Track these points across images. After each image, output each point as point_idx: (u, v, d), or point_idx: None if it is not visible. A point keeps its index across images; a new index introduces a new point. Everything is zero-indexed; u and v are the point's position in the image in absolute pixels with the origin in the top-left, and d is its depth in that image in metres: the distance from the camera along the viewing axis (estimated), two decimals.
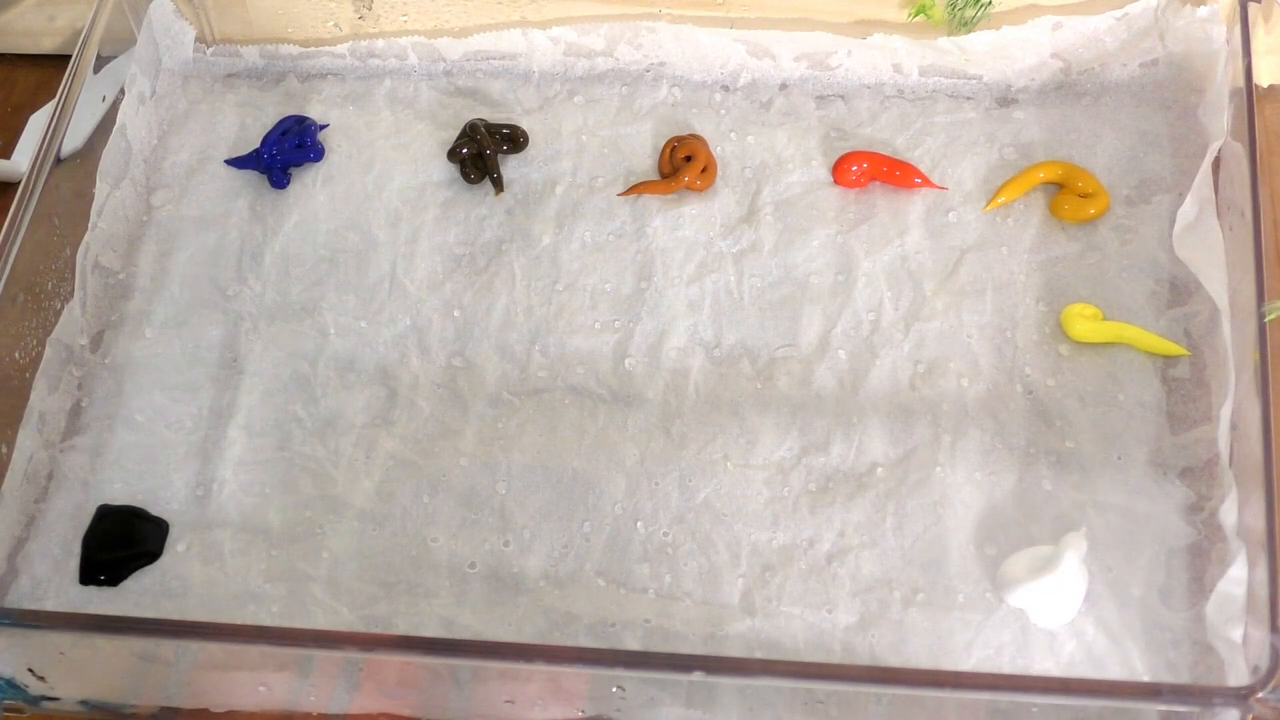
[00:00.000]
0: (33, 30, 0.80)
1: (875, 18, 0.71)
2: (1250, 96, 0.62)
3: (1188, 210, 0.64)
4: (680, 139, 0.70)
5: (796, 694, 0.54)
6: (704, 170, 0.69)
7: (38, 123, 0.75)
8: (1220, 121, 0.64)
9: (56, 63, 0.75)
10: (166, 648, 0.57)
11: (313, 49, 0.75)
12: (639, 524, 0.60)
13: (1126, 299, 0.64)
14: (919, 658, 0.56)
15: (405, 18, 0.74)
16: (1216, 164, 0.64)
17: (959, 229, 0.67)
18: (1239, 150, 0.61)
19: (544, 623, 0.58)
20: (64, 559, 0.60)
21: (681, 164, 0.69)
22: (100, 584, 0.59)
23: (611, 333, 0.65)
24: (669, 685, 0.55)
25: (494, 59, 0.74)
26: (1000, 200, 0.67)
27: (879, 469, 0.60)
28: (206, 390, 0.65)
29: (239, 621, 0.58)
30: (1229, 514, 0.55)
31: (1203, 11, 0.67)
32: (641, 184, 0.69)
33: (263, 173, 0.71)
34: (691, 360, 0.64)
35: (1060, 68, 0.70)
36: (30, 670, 0.57)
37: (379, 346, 0.66)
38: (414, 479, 0.62)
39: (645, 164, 0.71)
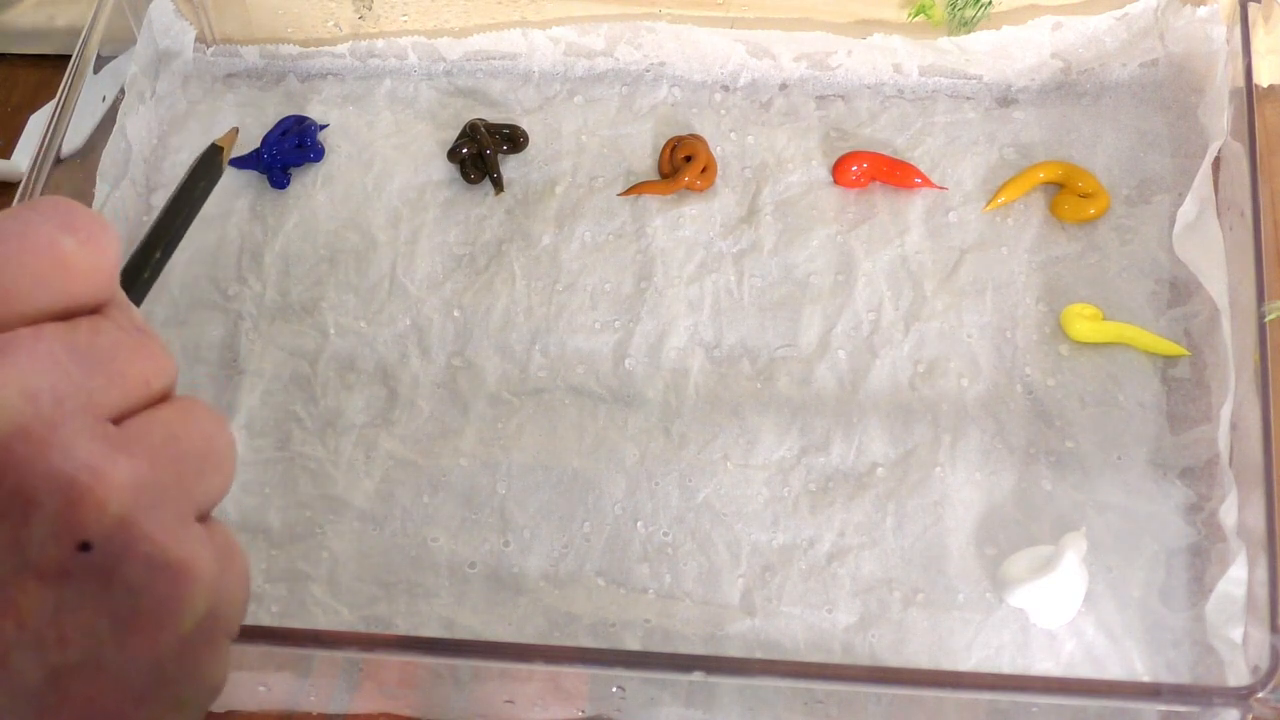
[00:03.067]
0: (33, 30, 0.80)
1: (875, 18, 0.71)
2: (1250, 96, 0.62)
3: (1188, 210, 0.64)
4: (680, 139, 0.70)
5: (796, 694, 0.54)
6: (704, 170, 0.69)
7: (38, 123, 0.75)
8: (1220, 121, 0.64)
9: (56, 63, 0.75)
10: None
11: (313, 49, 0.75)
12: (639, 524, 0.60)
13: (1126, 299, 0.64)
14: (919, 658, 0.56)
15: (405, 18, 0.74)
16: (1216, 164, 0.64)
17: (959, 229, 0.67)
18: (1239, 150, 0.61)
19: (544, 623, 0.58)
20: None
21: (681, 164, 0.69)
22: None
23: (611, 333, 0.65)
24: (669, 685, 0.55)
25: (494, 59, 0.75)
26: (1000, 200, 0.67)
27: (879, 469, 0.60)
28: (206, 390, 0.65)
29: None
30: (1229, 514, 0.55)
31: (1203, 11, 0.67)
32: (641, 184, 0.69)
33: (263, 173, 0.71)
34: (691, 360, 0.64)
35: (1060, 68, 0.70)
36: None
37: (379, 346, 0.66)
38: (414, 479, 0.62)
39: (645, 164, 0.71)
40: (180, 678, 0.31)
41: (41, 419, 0.28)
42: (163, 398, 0.32)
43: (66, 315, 0.31)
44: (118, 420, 0.30)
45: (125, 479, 0.29)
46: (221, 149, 0.50)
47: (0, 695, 0.28)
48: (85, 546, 0.28)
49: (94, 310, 0.32)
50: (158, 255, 0.42)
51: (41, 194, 0.63)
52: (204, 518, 0.32)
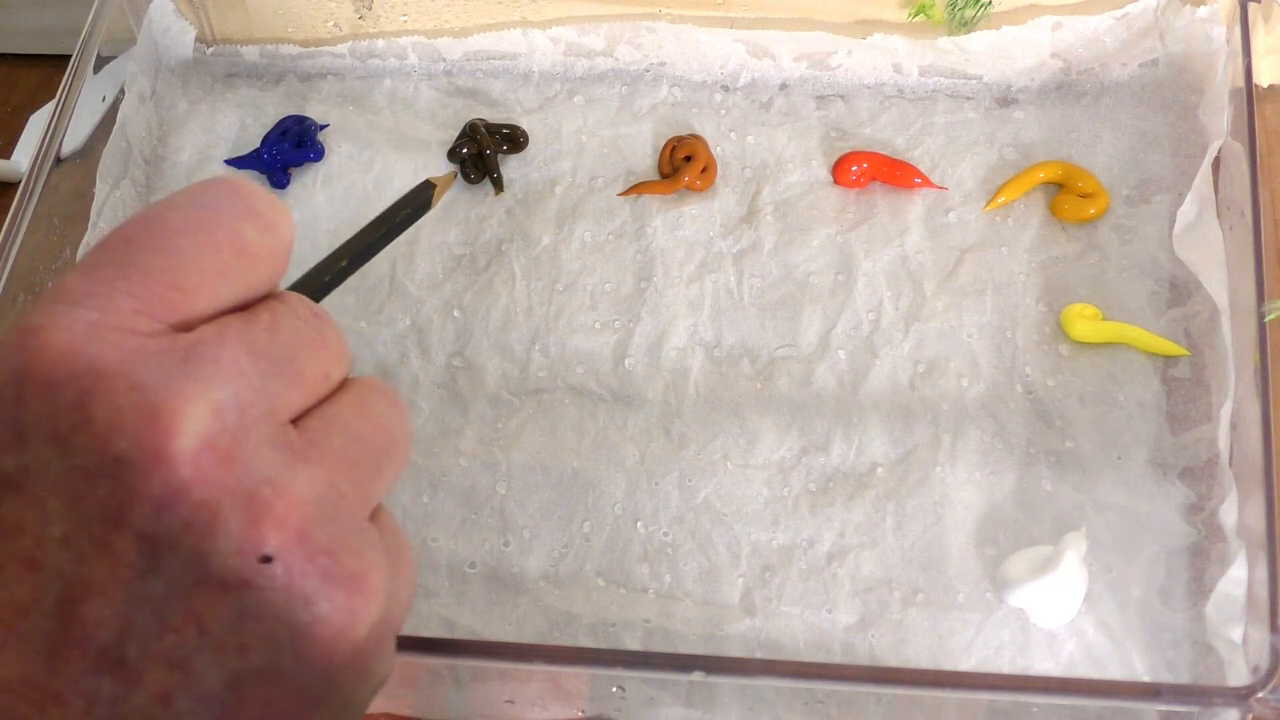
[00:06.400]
0: (33, 30, 0.80)
1: (875, 18, 0.71)
2: (1250, 96, 0.62)
3: (1188, 210, 0.64)
4: (680, 139, 0.70)
5: (796, 694, 0.54)
6: (704, 170, 0.69)
7: (38, 123, 0.75)
8: (1220, 121, 0.64)
9: (56, 63, 0.75)
10: None
11: (313, 49, 0.75)
12: (639, 524, 0.60)
13: (1126, 299, 0.64)
14: (919, 658, 0.56)
15: (405, 18, 0.74)
16: (1216, 164, 0.64)
17: (959, 229, 0.67)
18: (1239, 150, 0.61)
19: (544, 623, 0.58)
20: None
21: (681, 164, 0.69)
22: None
23: (611, 333, 0.65)
24: (669, 685, 0.55)
25: (494, 59, 0.75)
26: (1000, 200, 0.67)
27: (879, 469, 0.60)
28: None
29: None
30: (1229, 514, 0.55)
31: (1203, 11, 0.67)
32: (641, 184, 0.70)
33: (263, 173, 0.71)
34: (691, 360, 0.64)
35: (1060, 68, 0.70)
36: None
37: (379, 346, 0.66)
38: (413, 479, 0.62)
39: (645, 164, 0.71)
40: (352, 680, 0.31)
41: (226, 431, 0.29)
42: (340, 385, 0.33)
43: (244, 304, 0.32)
44: (297, 420, 0.31)
45: (305, 492, 0.30)
46: (434, 187, 0.49)
47: (183, 698, 0.28)
48: (266, 559, 0.29)
49: (269, 294, 0.32)
50: (344, 264, 0.42)
51: (41, 194, 0.63)
52: (376, 511, 0.33)
